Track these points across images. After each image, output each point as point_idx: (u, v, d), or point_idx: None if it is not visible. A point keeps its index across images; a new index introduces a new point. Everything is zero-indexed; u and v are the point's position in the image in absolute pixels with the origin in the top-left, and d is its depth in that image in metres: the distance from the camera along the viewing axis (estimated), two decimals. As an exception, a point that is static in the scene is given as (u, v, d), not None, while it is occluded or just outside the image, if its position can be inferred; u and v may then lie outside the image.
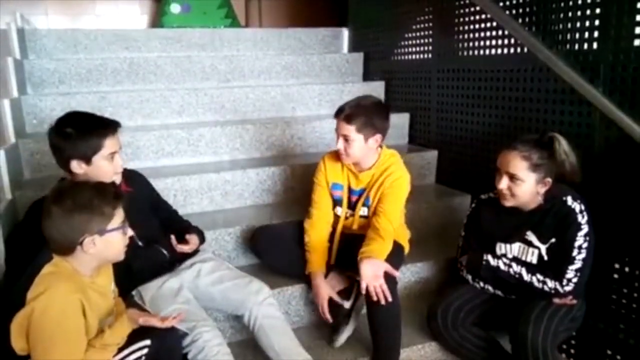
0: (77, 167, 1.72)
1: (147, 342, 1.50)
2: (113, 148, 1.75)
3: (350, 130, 1.95)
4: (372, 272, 1.85)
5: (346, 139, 1.97)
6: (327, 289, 2.03)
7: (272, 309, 1.90)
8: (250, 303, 1.88)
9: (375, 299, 1.84)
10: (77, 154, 1.71)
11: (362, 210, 2.09)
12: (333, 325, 2.05)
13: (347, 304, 2.06)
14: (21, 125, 2.61)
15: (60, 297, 1.34)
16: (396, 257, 2.09)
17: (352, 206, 2.12)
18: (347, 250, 2.05)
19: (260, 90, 3.10)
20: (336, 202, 2.14)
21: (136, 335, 1.53)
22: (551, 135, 1.82)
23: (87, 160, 1.72)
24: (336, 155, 2.10)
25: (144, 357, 1.49)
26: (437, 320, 1.98)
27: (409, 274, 2.31)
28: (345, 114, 1.96)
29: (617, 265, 1.96)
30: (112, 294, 1.58)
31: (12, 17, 2.92)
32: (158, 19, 4.00)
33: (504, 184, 1.83)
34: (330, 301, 2.04)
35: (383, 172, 2.05)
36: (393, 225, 2.01)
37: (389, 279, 1.90)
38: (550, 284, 1.81)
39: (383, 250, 1.95)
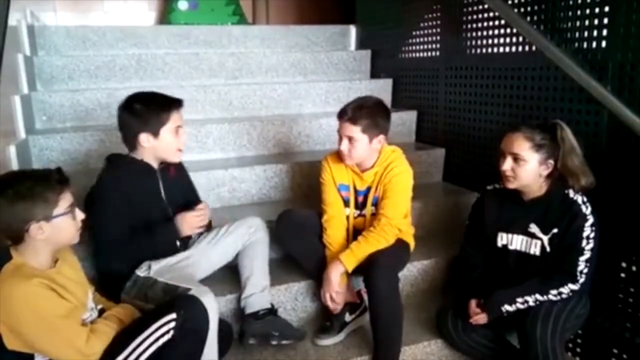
0: (146, 140, 1.86)
1: (173, 315, 1.49)
2: (178, 122, 1.90)
3: (355, 131, 1.95)
4: (335, 280, 1.96)
5: (350, 140, 1.97)
6: (339, 283, 2.00)
7: (261, 234, 2.06)
8: (248, 236, 2.03)
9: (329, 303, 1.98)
10: (145, 127, 1.85)
11: (372, 210, 2.09)
12: (326, 325, 2.06)
13: (348, 317, 2.07)
14: (31, 121, 2.64)
15: (20, 288, 1.35)
16: (401, 255, 2.11)
17: (359, 206, 2.13)
18: None
19: (267, 87, 3.11)
20: (345, 203, 2.13)
21: (160, 309, 1.54)
22: (555, 121, 1.84)
23: (155, 133, 1.86)
24: (338, 156, 2.10)
25: (172, 331, 1.48)
26: (448, 325, 2.00)
27: (415, 271, 2.31)
28: (350, 115, 1.95)
29: (624, 264, 1.96)
30: (87, 282, 1.62)
31: (22, 13, 2.94)
32: (165, 15, 4.02)
33: (507, 165, 1.84)
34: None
35: (386, 169, 2.05)
36: (393, 222, 2.00)
37: (391, 278, 1.92)
38: (566, 289, 1.80)
39: (360, 252, 1.97)
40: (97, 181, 1.84)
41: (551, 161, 1.82)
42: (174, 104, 1.90)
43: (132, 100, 1.87)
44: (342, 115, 1.98)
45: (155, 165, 1.94)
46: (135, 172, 1.88)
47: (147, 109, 1.85)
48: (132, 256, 1.86)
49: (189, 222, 1.91)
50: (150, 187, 1.92)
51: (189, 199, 2.07)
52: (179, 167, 2.08)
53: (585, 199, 1.82)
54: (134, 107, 1.85)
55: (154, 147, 1.88)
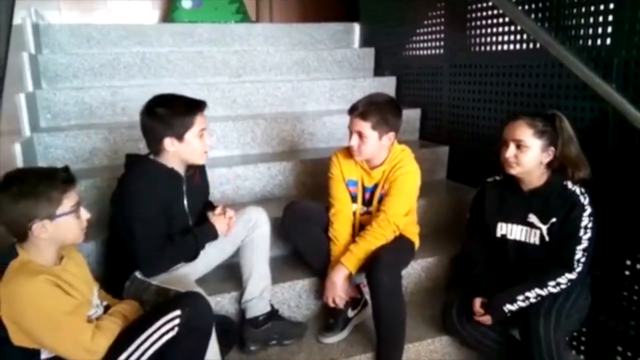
0: (170, 144, 1.80)
1: (177, 312, 1.49)
2: (203, 125, 1.84)
3: (365, 127, 1.95)
4: (339, 284, 1.96)
5: (360, 136, 1.97)
6: (342, 286, 2.00)
7: (261, 230, 2.01)
8: (246, 232, 1.99)
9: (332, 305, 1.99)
10: (170, 132, 1.78)
11: (378, 207, 2.08)
12: (330, 322, 2.06)
13: (350, 313, 2.07)
14: (36, 119, 2.65)
15: (26, 285, 1.36)
16: (405, 253, 2.11)
17: (366, 203, 2.13)
18: None
19: (271, 85, 3.11)
20: (352, 198, 2.14)
21: (165, 306, 1.54)
22: (553, 112, 1.88)
23: (180, 137, 1.80)
24: (348, 152, 2.11)
25: (176, 328, 1.48)
26: (453, 318, 2.00)
27: (419, 269, 2.32)
28: (360, 110, 1.96)
29: (628, 262, 1.95)
30: (92, 279, 1.63)
31: (27, 12, 2.95)
32: (169, 14, 4.02)
33: (510, 152, 1.86)
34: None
35: (393, 168, 2.05)
36: (392, 219, 2.00)
37: (394, 274, 1.92)
38: (563, 279, 1.82)
39: (360, 251, 1.98)
40: (124, 186, 1.78)
41: (552, 148, 1.85)
42: (199, 106, 1.83)
43: (154, 104, 1.80)
44: (353, 111, 1.99)
45: (181, 171, 1.87)
46: (161, 179, 1.81)
47: (171, 113, 1.78)
48: (169, 264, 1.82)
49: (224, 224, 1.89)
50: (174, 196, 1.86)
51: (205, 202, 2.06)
52: (203, 172, 2.03)
53: (583, 190, 1.84)
54: (156, 111, 1.77)
55: (179, 151, 1.81)
